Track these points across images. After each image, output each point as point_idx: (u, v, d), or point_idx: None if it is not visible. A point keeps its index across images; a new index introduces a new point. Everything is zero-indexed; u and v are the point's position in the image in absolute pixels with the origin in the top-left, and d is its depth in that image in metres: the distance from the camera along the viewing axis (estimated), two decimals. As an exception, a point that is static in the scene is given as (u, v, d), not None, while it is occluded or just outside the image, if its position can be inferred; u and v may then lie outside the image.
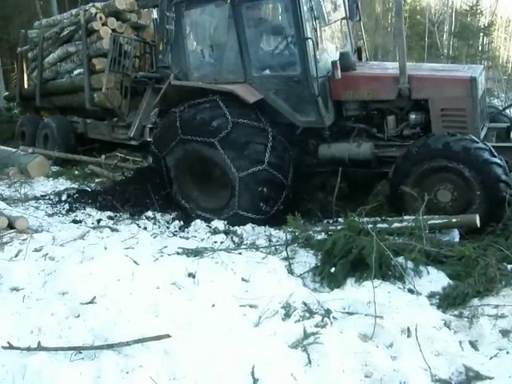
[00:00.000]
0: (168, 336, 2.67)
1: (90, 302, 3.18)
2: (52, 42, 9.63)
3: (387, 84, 5.50)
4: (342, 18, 6.10)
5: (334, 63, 5.34)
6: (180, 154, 5.85)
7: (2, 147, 8.74)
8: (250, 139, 5.41)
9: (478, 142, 4.74)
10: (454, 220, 4.45)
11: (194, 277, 3.65)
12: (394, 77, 5.45)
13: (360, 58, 6.51)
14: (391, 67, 6.02)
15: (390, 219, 4.57)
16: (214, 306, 3.24)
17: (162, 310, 3.12)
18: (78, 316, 3.09)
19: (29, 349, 2.70)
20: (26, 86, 11.41)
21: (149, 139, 7.29)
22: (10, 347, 2.71)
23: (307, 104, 5.53)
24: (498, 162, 4.62)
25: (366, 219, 4.35)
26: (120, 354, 2.64)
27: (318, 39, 5.43)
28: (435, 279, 3.68)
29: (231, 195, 5.57)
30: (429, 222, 4.28)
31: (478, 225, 4.32)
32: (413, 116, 5.48)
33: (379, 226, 4.37)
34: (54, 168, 8.35)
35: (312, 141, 5.94)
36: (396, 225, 4.40)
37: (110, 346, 2.67)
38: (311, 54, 5.34)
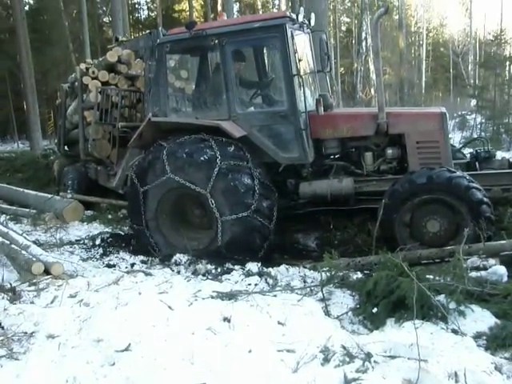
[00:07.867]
0: (205, 385, 2.60)
1: (126, 350, 3.14)
2: (68, 95, 10.04)
3: (366, 121, 5.89)
4: (318, 71, 6.38)
5: (318, 100, 5.63)
6: (163, 190, 5.69)
7: (40, 193, 8.97)
8: (240, 187, 5.34)
9: (455, 172, 5.17)
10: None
11: (229, 321, 3.58)
12: (372, 114, 5.87)
13: None
14: (364, 109, 6.53)
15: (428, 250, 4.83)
16: (250, 351, 3.15)
17: (198, 356, 3.05)
18: (114, 364, 3.05)
19: (65, 399, 2.67)
20: None
21: None
22: (47, 398, 2.69)
23: (291, 140, 5.70)
24: (477, 186, 5.03)
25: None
26: (156, 404, 2.59)
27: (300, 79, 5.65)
28: (480, 318, 3.50)
29: (214, 237, 5.50)
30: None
31: None
32: (389, 151, 5.87)
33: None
34: (88, 212, 8.50)
35: (290, 181, 6.05)
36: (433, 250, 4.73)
37: (147, 396, 2.63)
38: (298, 90, 5.56)
